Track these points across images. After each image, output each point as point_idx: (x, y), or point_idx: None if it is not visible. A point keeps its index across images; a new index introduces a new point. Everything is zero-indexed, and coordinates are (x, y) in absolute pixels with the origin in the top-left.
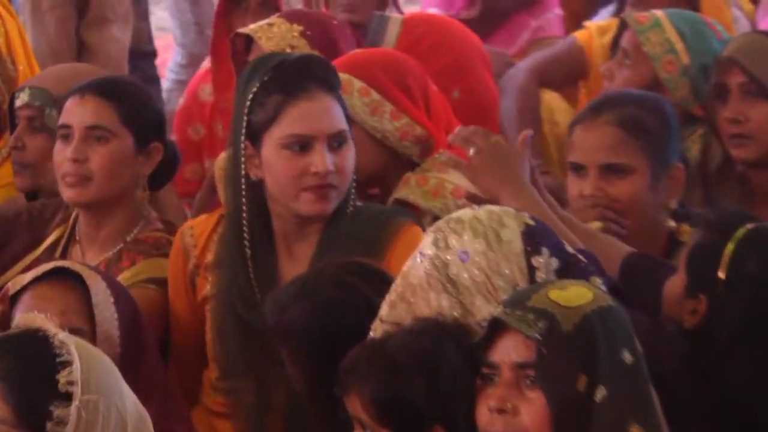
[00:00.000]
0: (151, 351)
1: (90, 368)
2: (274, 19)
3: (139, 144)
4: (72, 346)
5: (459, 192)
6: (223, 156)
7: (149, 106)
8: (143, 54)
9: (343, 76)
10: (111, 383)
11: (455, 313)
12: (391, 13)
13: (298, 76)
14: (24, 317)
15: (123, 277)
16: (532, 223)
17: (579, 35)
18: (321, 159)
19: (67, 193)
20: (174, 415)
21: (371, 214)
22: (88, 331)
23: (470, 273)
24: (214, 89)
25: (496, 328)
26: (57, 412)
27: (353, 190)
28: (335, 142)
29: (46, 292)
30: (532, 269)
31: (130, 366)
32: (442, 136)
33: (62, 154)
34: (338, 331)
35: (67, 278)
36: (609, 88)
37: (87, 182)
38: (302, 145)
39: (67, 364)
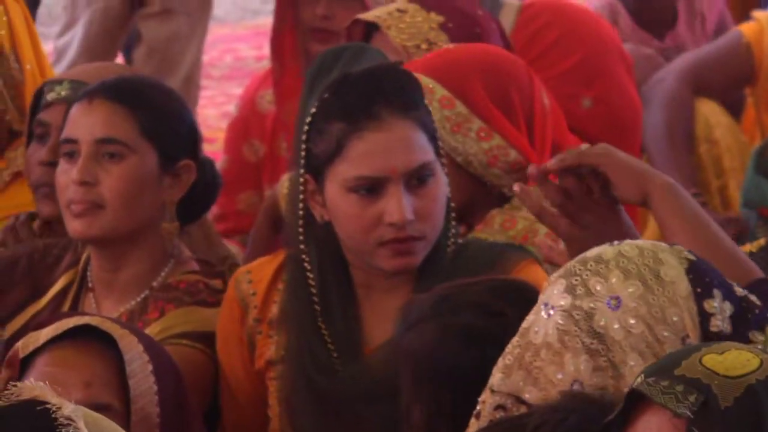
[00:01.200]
0: (197, 425)
1: None
2: (404, 4)
3: (165, 162)
4: (81, 423)
5: (554, 238)
6: (286, 178)
7: (179, 114)
8: None
9: (424, 80)
10: None
11: (595, 380)
12: None
13: (364, 98)
14: (21, 386)
15: (150, 332)
16: (693, 258)
17: (745, 29)
18: (397, 205)
19: (73, 226)
20: None
21: (477, 251)
22: (120, 408)
23: (624, 323)
24: (276, 97)
25: (636, 402)
26: None
27: (453, 223)
28: (415, 179)
29: (66, 356)
30: (704, 315)
31: None
32: (544, 162)
33: (67, 175)
34: (471, 362)
35: (94, 339)
36: None
37: (98, 211)
38: (371, 187)
39: None
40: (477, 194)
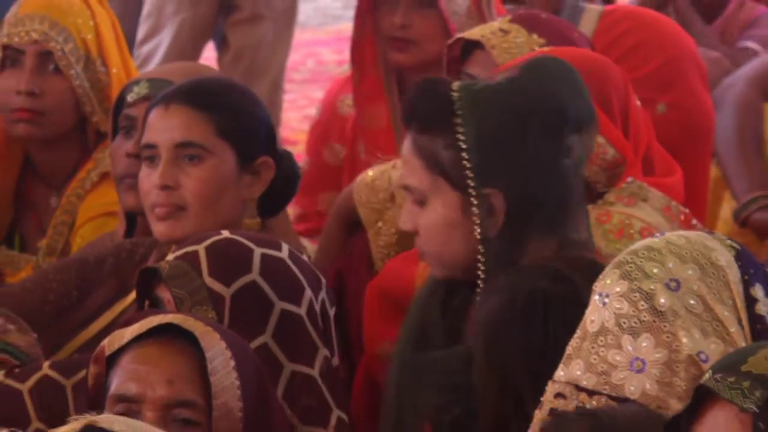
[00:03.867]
0: (280, 427)
1: None
2: (507, 24)
3: (243, 161)
4: None
5: (649, 232)
6: (361, 178)
7: (253, 113)
8: None
9: None
10: None
11: (657, 356)
12: (589, 2)
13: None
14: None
15: None
16: (738, 246)
17: None
18: None
19: (158, 228)
20: None
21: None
22: (203, 403)
23: (684, 302)
24: (356, 102)
25: (705, 397)
26: None
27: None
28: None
29: (150, 354)
30: (751, 300)
31: None
32: (638, 162)
33: (149, 180)
34: (541, 329)
35: (177, 336)
36: None
37: (180, 213)
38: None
39: None
40: None
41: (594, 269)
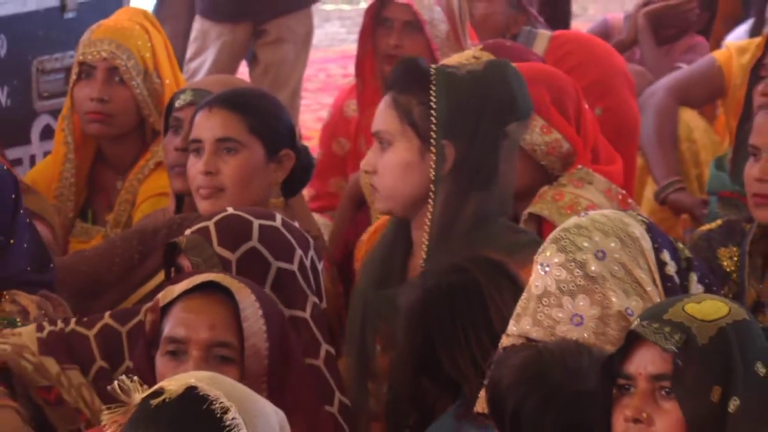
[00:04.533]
0: (298, 363)
1: None
2: (478, 52)
3: (270, 153)
4: (236, 413)
5: (593, 209)
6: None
7: (277, 115)
8: None
9: None
10: None
11: (592, 312)
12: (539, 29)
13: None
14: (175, 379)
15: None
16: (648, 221)
17: (718, 55)
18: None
19: (202, 205)
20: (320, 427)
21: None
22: (237, 344)
23: (610, 269)
24: (359, 106)
25: (633, 340)
26: None
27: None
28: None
29: (196, 305)
30: (662, 264)
31: (278, 379)
32: (587, 153)
33: (195, 167)
34: (442, 310)
35: (217, 292)
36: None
37: (220, 193)
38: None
39: None
40: (536, 176)
41: (489, 263)
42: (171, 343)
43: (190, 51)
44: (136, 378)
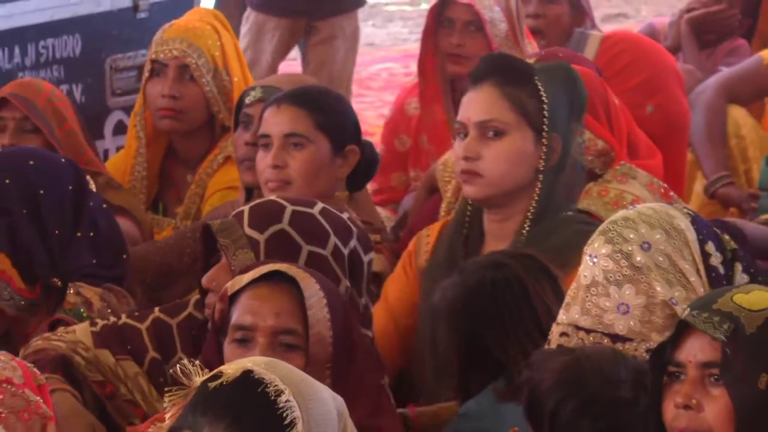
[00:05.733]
0: (361, 350)
1: (311, 425)
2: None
3: (336, 148)
4: (291, 397)
5: (638, 203)
6: (447, 157)
7: (343, 112)
8: None
9: None
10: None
11: (638, 301)
12: (591, 30)
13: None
14: (233, 364)
15: None
16: (693, 213)
17: (765, 54)
18: None
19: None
20: (382, 412)
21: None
22: (302, 332)
23: (655, 260)
24: (420, 104)
25: (683, 329)
26: None
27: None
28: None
29: (262, 293)
30: (706, 255)
31: (341, 366)
32: (623, 149)
33: (264, 161)
34: (487, 305)
35: (282, 281)
36: None
37: (287, 186)
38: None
39: (292, 422)
40: None
41: (526, 258)
42: (238, 331)
43: (242, 44)
44: (197, 362)
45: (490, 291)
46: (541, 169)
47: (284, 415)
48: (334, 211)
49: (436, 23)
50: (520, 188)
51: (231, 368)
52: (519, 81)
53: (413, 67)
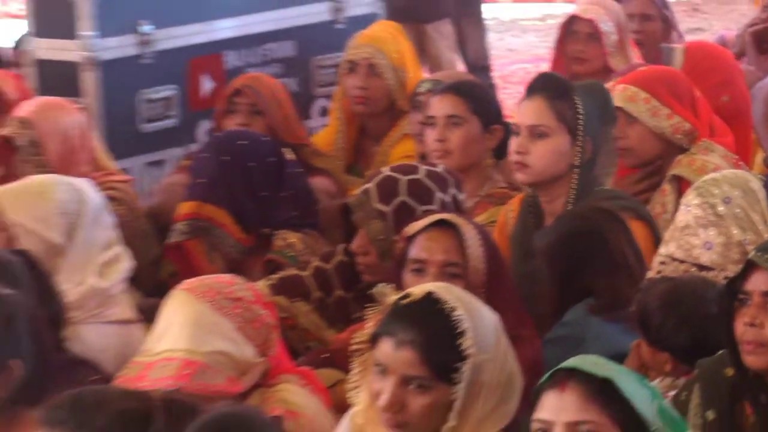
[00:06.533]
0: (506, 277)
1: (478, 331)
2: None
3: (484, 126)
4: (462, 311)
5: (718, 170)
6: None
7: (490, 99)
8: (480, 68)
9: (631, 88)
10: (493, 342)
11: (719, 240)
12: (673, 44)
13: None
14: (418, 287)
15: (479, 220)
16: (764, 179)
17: None
18: None
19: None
20: (522, 323)
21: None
22: (463, 264)
23: (733, 211)
24: None
25: (751, 266)
26: (461, 368)
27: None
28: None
29: (433, 235)
30: None
31: (493, 289)
32: (705, 129)
33: (430, 136)
34: (577, 247)
35: (448, 227)
36: None
37: (448, 155)
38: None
39: (464, 332)
40: (668, 150)
41: (605, 212)
42: (415, 263)
43: None
44: (391, 286)
45: (578, 236)
46: (576, 164)
47: (457, 324)
48: (432, 168)
49: (565, 34)
50: (558, 177)
51: (416, 290)
52: (561, 95)
53: (543, 67)
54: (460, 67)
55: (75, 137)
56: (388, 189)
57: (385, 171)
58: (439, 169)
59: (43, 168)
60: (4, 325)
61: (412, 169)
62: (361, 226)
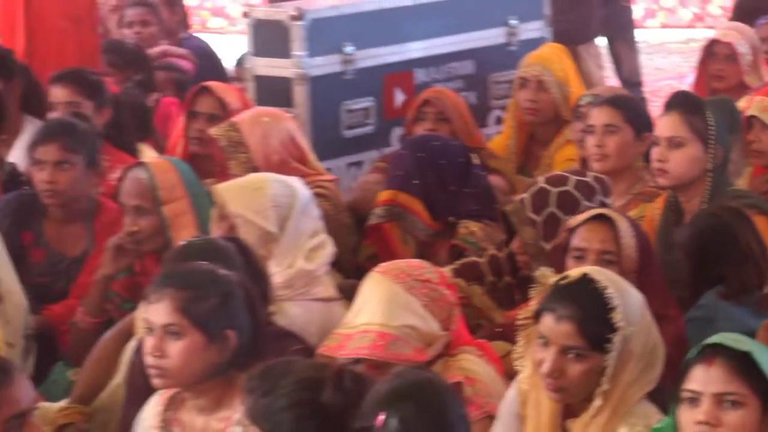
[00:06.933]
0: (654, 264)
1: (626, 307)
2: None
3: (636, 133)
4: (613, 290)
5: None
6: None
7: (642, 110)
8: (633, 84)
9: (767, 100)
10: (639, 316)
11: None
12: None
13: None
14: (575, 270)
15: (631, 215)
16: None
17: None
18: None
19: (594, 167)
20: (668, 304)
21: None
22: (617, 252)
23: None
24: None
25: None
26: (613, 339)
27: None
28: None
29: (592, 227)
30: None
31: (643, 274)
32: None
33: (589, 142)
34: (713, 240)
35: (604, 220)
36: None
37: (606, 158)
38: None
39: (615, 307)
40: None
41: (733, 210)
42: (576, 251)
43: None
44: (552, 269)
45: (711, 232)
46: (709, 168)
47: (609, 301)
48: (582, 178)
49: (706, 55)
50: (694, 180)
51: (573, 272)
52: (695, 110)
53: (686, 84)
54: (608, 81)
55: (280, 140)
56: (540, 200)
57: (540, 182)
58: (589, 178)
59: (248, 165)
60: (222, 300)
61: (563, 181)
62: (517, 230)
